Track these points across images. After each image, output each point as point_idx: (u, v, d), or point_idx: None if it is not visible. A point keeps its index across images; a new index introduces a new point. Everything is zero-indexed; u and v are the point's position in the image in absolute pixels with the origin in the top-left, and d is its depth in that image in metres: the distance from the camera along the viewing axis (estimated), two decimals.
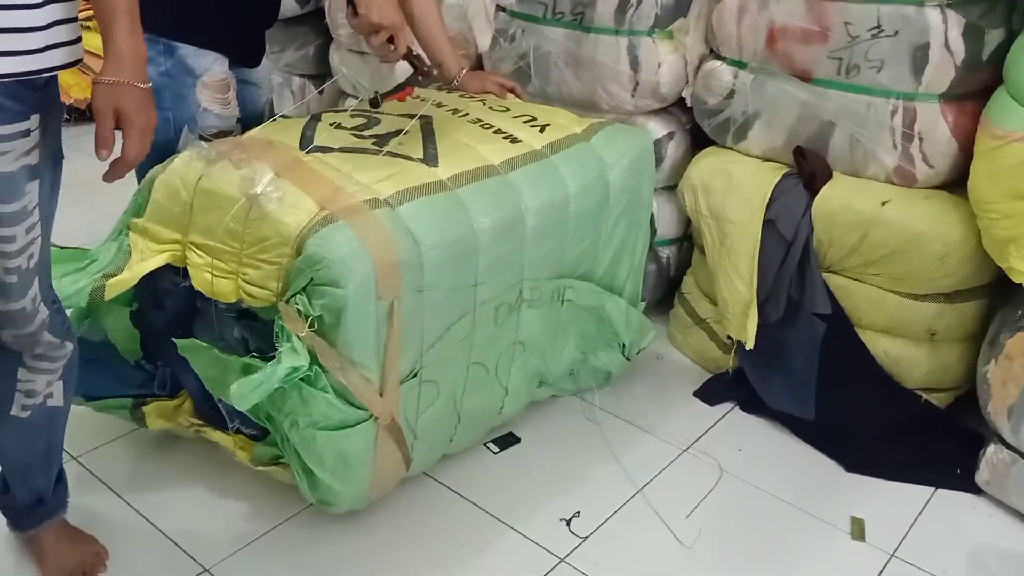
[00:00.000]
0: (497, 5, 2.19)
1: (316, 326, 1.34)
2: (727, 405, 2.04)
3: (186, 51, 1.54)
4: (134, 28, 1.15)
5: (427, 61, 1.80)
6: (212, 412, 1.64)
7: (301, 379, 1.36)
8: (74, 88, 3.13)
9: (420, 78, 1.78)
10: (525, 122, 1.74)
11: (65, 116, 3.33)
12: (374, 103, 1.70)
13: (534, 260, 1.63)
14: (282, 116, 1.67)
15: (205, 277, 1.47)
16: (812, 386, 1.88)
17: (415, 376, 1.50)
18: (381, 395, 1.44)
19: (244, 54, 1.68)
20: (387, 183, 1.45)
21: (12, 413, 1.34)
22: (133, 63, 1.15)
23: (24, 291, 1.22)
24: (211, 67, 1.57)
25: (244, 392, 1.30)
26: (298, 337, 1.34)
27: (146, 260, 1.49)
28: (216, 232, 1.44)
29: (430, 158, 1.54)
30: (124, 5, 1.13)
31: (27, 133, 1.13)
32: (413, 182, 1.47)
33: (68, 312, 1.39)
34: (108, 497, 1.66)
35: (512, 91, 1.94)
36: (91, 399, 1.65)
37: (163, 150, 1.53)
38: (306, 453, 1.44)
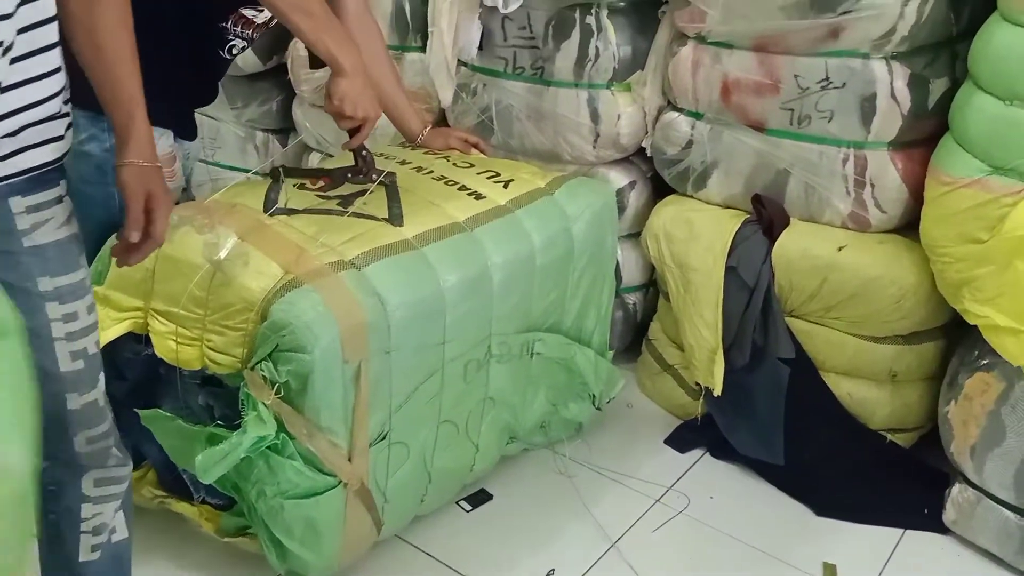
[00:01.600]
0: (459, 60, 2.22)
1: (282, 392, 1.33)
2: (698, 451, 2.05)
3: None
4: (146, 112, 1.15)
5: (371, 165, 1.68)
6: (176, 483, 1.60)
7: (268, 447, 1.34)
8: None
9: (350, 175, 1.66)
10: (489, 178, 1.76)
11: None
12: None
13: (501, 315, 1.63)
14: (254, 173, 1.67)
15: (169, 345, 1.45)
16: (780, 431, 1.89)
17: (384, 438, 1.49)
18: (350, 460, 1.42)
19: (186, 128, 1.67)
20: (352, 244, 1.45)
21: (81, 559, 1.20)
22: (152, 146, 1.15)
23: (94, 381, 1.13)
24: (157, 140, 1.54)
25: (209, 464, 1.28)
26: (264, 404, 1.32)
27: (107, 329, 1.46)
28: (180, 299, 1.43)
29: (395, 217, 1.54)
30: (139, 90, 1.13)
31: (60, 200, 1.11)
32: (378, 242, 1.47)
33: None
34: None
35: (476, 146, 1.95)
36: None
37: (106, 226, 1.48)
38: (274, 523, 1.41)
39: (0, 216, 1.06)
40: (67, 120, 1.11)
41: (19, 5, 0.98)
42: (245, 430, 1.30)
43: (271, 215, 1.51)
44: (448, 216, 1.59)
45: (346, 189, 1.61)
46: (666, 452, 2.05)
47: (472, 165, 1.81)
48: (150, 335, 1.47)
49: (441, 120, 2.39)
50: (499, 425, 1.78)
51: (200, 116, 2.91)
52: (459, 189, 1.68)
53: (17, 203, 1.07)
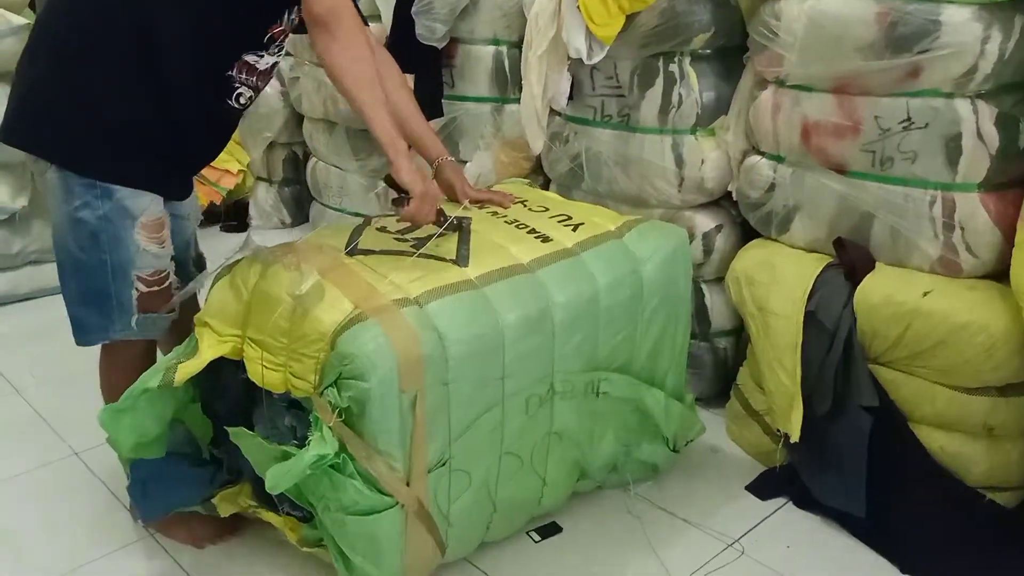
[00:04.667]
0: (551, 109, 2.33)
1: (344, 417, 1.45)
2: (780, 500, 2.01)
3: (123, 193, 1.54)
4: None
5: (440, 216, 1.71)
6: (266, 494, 1.75)
7: (331, 466, 1.46)
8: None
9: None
10: (560, 221, 1.83)
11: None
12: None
13: (564, 353, 1.70)
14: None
15: (258, 369, 1.62)
16: (862, 481, 1.83)
17: (444, 465, 1.58)
18: (408, 483, 1.52)
19: (178, 190, 1.70)
20: (418, 283, 1.57)
21: None
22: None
23: None
24: (148, 207, 1.57)
25: (276, 477, 1.41)
26: (328, 427, 1.45)
27: (207, 351, 1.64)
28: (267, 328, 1.59)
29: (461, 259, 1.65)
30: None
31: None
32: (442, 282, 1.58)
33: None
34: (175, 571, 1.80)
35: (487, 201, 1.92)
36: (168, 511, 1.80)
37: (98, 294, 1.57)
38: (339, 536, 1.53)
39: None
40: None
41: None
42: (309, 449, 1.43)
43: (350, 255, 1.66)
44: (512, 258, 1.68)
45: (422, 232, 1.73)
46: (746, 499, 2.02)
47: (547, 209, 1.89)
48: (244, 360, 1.64)
49: (538, 166, 2.51)
50: (567, 461, 1.83)
51: (329, 167, 3.20)
52: (528, 232, 1.77)
53: None
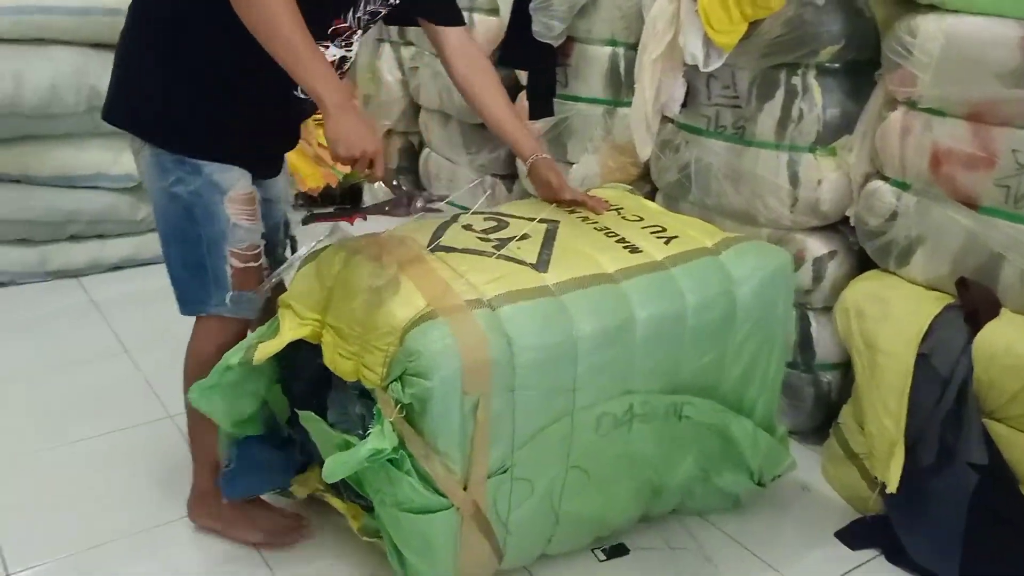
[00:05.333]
0: (663, 116, 2.25)
1: (405, 413, 1.44)
2: (871, 552, 1.86)
3: (212, 168, 1.58)
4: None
5: (410, 194, 1.69)
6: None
7: (389, 461, 1.45)
8: (309, 179, 3.57)
9: (387, 207, 1.66)
10: (652, 232, 1.76)
11: (299, 202, 3.79)
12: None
13: (644, 371, 1.62)
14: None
15: (333, 356, 1.63)
16: (958, 544, 1.67)
17: (505, 472, 1.54)
18: (466, 487, 1.49)
19: (265, 169, 1.72)
20: (493, 285, 1.53)
21: None
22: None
23: None
24: (237, 182, 1.61)
25: (332, 467, 1.42)
26: (389, 421, 1.44)
27: (287, 332, 1.67)
28: (345, 316, 1.60)
29: (541, 263, 1.60)
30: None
31: None
32: (518, 286, 1.54)
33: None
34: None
35: (580, 203, 1.84)
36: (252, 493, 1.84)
37: (197, 266, 1.62)
38: (393, 531, 1.52)
39: None
40: None
41: None
42: (367, 442, 1.42)
43: (431, 251, 1.64)
44: (597, 266, 1.62)
45: (508, 232, 1.70)
46: (834, 546, 1.88)
47: (641, 219, 1.82)
48: (322, 345, 1.66)
49: (644, 174, 2.43)
50: (640, 481, 1.75)
51: (440, 158, 3.22)
52: (617, 241, 1.71)
53: None
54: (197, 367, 1.72)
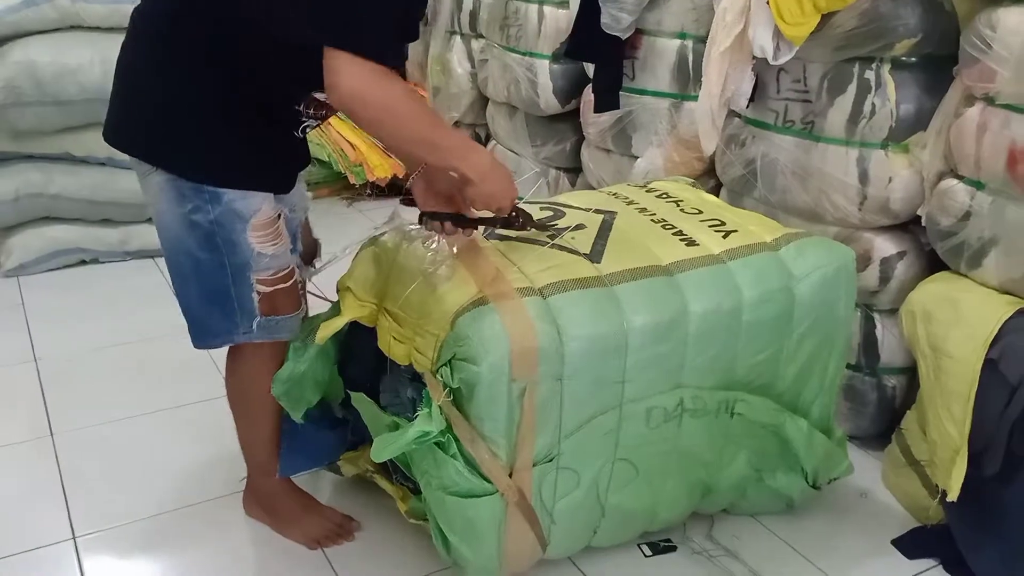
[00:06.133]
0: (730, 110, 2.21)
1: (453, 397, 1.46)
2: (929, 561, 1.80)
3: (233, 195, 1.50)
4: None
5: (527, 219, 1.62)
6: (384, 460, 1.80)
7: (436, 443, 1.47)
8: (378, 168, 3.63)
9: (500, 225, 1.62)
10: (711, 226, 1.73)
11: (368, 192, 3.85)
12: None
13: (696, 366, 1.61)
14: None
15: (387, 339, 1.66)
16: None
17: (551, 461, 1.55)
18: (511, 473, 1.50)
19: (284, 188, 1.64)
20: (545, 274, 1.54)
21: None
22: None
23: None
24: (260, 208, 1.53)
25: (380, 447, 1.45)
26: (437, 405, 1.46)
27: (345, 315, 1.70)
28: (400, 301, 1.62)
29: (595, 254, 1.60)
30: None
31: None
32: (570, 275, 1.54)
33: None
34: None
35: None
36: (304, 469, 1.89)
37: (221, 295, 1.55)
38: (439, 514, 1.55)
39: None
40: None
41: None
42: (415, 424, 1.44)
43: (487, 238, 1.65)
44: (652, 258, 1.61)
45: (563, 222, 1.70)
46: (890, 555, 1.83)
47: (700, 212, 1.80)
48: (377, 328, 1.69)
49: (710, 169, 2.39)
50: (690, 478, 1.74)
51: (506, 150, 3.23)
52: (674, 234, 1.69)
53: None
54: (246, 406, 1.72)
